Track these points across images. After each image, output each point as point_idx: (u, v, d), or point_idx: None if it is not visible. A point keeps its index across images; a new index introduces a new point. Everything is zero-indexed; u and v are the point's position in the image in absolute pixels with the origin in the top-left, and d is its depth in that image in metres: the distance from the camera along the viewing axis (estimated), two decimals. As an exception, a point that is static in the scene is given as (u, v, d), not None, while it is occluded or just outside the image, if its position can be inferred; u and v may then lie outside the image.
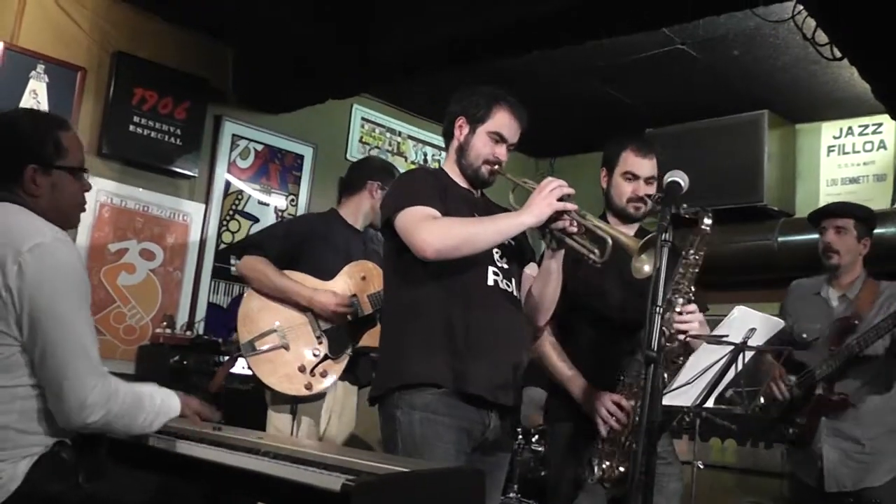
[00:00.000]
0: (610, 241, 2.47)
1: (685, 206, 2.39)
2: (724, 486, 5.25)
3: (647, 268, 2.41)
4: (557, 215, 2.52)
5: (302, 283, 3.49)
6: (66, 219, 2.27)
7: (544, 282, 2.71)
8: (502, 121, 2.72)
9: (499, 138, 2.72)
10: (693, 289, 2.71)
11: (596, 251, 2.52)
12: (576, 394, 2.87)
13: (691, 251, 2.70)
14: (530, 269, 2.84)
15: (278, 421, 3.47)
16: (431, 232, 2.51)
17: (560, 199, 2.51)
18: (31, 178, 2.21)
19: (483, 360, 2.55)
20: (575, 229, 2.55)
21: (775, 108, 5.29)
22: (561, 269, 2.69)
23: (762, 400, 3.69)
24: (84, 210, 2.39)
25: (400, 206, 2.58)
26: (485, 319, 2.58)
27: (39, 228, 2.16)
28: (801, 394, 3.63)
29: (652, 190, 2.98)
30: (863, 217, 3.76)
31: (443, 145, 2.90)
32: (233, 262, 4.84)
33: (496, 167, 2.72)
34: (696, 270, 2.71)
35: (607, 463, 2.75)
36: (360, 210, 3.72)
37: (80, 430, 2.18)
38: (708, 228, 2.63)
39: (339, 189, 4.04)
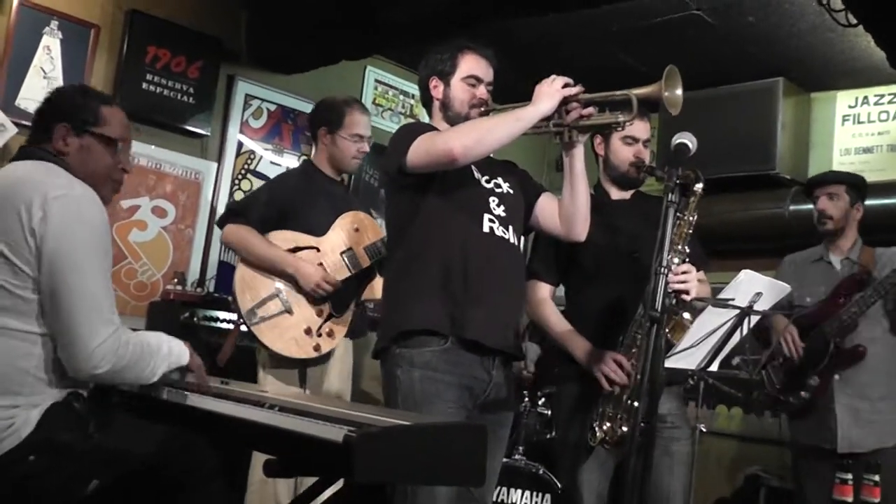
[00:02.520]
0: (633, 97, 2.49)
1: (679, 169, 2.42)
2: (731, 454, 5.28)
3: (678, 91, 2.45)
4: (566, 104, 2.55)
5: (294, 241, 3.41)
6: (97, 188, 2.31)
7: (573, 187, 2.72)
8: (471, 64, 2.77)
9: (475, 81, 2.76)
10: (687, 249, 2.73)
11: (620, 115, 2.54)
12: (577, 355, 2.89)
13: (686, 212, 2.72)
14: (546, 198, 2.86)
15: (273, 385, 3.36)
16: (449, 136, 2.56)
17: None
18: (62, 136, 2.33)
19: (481, 306, 2.57)
20: (590, 111, 2.57)
21: (790, 76, 5.23)
22: (584, 167, 2.70)
23: (768, 359, 3.74)
24: (118, 190, 2.48)
25: (407, 145, 2.58)
26: (481, 266, 2.59)
27: (70, 182, 2.24)
28: (813, 352, 3.67)
29: (647, 153, 3.03)
30: (853, 183, 3.85)
31: None
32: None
33: (483, 108, 2.75)
34: (690, 231, 2.74)
35: (608, 424, 2.77)
36: (324, 160, 3.65)
37: (90, 380, 2.23)
38: (700, 190, 2.67)
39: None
